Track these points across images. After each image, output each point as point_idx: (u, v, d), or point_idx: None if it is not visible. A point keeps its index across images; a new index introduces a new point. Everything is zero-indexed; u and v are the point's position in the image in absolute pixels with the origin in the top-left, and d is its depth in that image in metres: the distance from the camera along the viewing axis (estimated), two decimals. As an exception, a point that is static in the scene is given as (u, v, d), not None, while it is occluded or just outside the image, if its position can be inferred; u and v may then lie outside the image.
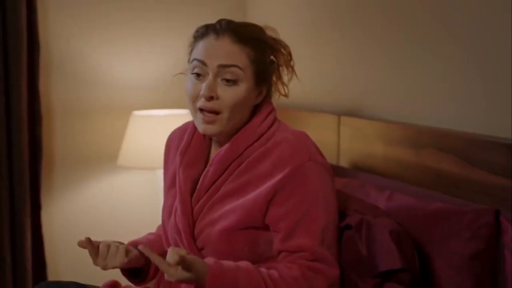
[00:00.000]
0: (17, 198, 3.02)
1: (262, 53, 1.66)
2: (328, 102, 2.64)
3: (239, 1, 3.32)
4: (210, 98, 1.60)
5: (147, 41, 3.28)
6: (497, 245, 1.57)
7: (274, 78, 1.74)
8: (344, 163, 2.42)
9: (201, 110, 1.62)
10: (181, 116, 3.07)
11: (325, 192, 1.60)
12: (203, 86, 1.60)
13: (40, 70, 3.07)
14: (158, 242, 1.86)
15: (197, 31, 1.68)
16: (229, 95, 1.60)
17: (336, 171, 2.24)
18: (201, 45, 1.64)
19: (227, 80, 1.60)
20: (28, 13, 3.01)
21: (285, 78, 1.76)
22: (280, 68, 1.74)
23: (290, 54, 1.74)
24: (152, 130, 3.01)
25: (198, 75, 1.62)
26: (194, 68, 1.63)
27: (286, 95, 1.77)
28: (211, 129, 1.62)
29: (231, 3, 3.29)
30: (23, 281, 3.04)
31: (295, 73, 1.75)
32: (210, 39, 1.62)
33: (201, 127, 1.64)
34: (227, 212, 1.64)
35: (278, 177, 1.58)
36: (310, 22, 2.79)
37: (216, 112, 1.61)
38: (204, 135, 1.74)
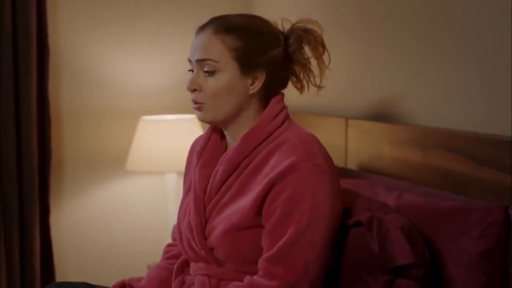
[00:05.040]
0: (26, 201, 3.03)
1: (248, 41, 1.67)
2: (336, 105, 2.65)
3: (246, 5, 3.35)
4: (193, 90, 1.69)
5: (157, 46, 3.31)
6: (507, 242, 1.57)
7: (285, 72, 1.74)
8: (352, 165, 2.43)
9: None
10: (189, 121, 3.09)
11: (315, 195, 1.56)
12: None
13: (50, 73, 3.09)
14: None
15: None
16: (209, 85, 1.67)
17: (344, 173, 2.25)
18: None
19: (206, 72, 1.67)
20: (38, 17, 3.03)
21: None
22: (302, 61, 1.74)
23: (323, 45, 1.75)
24: (160, 135, 3.03)
25: (192, 71, 1.71)
26: (189, 66, 1.72)
27: (317, 86, 1.76)
28: (200, 115, 1.70)
29: (238, 9, 3.32)
30: (31, 284, 3.05)
31: (324, 64, 1.74)
32: (196, 35, 1.71)
33: (196, 115, 1.73)
34: (231, 213, 1.65)
35: (272, 174, 1.59)
36: (317, 25, 2.80)
37: (201, 102, 1.68)
38: (221, 136, 1.78)
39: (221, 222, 1.66)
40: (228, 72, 1.66)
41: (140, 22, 3.29)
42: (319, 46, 1.74)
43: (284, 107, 1.73)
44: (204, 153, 1.77)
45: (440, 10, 2.05)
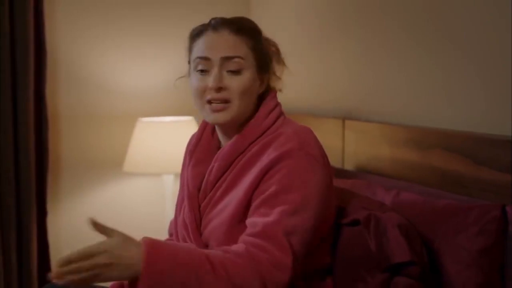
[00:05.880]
0: (24, 203, 3.03)
1: (259, 42, 1.70)
2: (332, 106, 2.65)
3: (244, 6, 3.36)
4: (219, 89, 1.64)
5: (154, 48, 3.31)
6: (505, 239, 1.57)
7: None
8: (349, 167, 2.43)
9: (210, 102, 1.66)
10: (186, 122, 3.10)
11: (307, 182, 1.56)
12: (211, 79, 1.64)
13: (47, 75, 3.09)
14: None
15: (193, 30, 1.72)
16: (236, 83, 1.64)
17: (342, 174, 2.25)
18: (201, 42, 1.68)
19: (232, 71, 1.65)
20: (35, 19, 3.03)
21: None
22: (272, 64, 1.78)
23: (278, 50, 1.78)
24: (158, 136, 3.03)
25: (202, 71, 1.66)
26: (197, 65, 1.67)
27: (279, 90, 1.80)
28: (221, 116, 1.66)
29: (235, 10, 3.32)
30: (28, 285, 3.04)
31: (286, 66, 1.79)
32: (209, 35, 1.67)
33: (211, 117, 1.67)
34: (225, 206, 1.66)
35: (265, 162, 1.59)
36: (315, 26, 2.81)
37: (226, 101, 1.65)
38: (212, 134, 1.79)
39: (216, 215, 1.67)
40: (251, 71, 1.67)
41: (138, 24, 3.29)
42: (280, 55, 1.78)
43: (278, 104, 1.75)
44: (196, 152, 1.78)
45: (439, 11, 2.06)
